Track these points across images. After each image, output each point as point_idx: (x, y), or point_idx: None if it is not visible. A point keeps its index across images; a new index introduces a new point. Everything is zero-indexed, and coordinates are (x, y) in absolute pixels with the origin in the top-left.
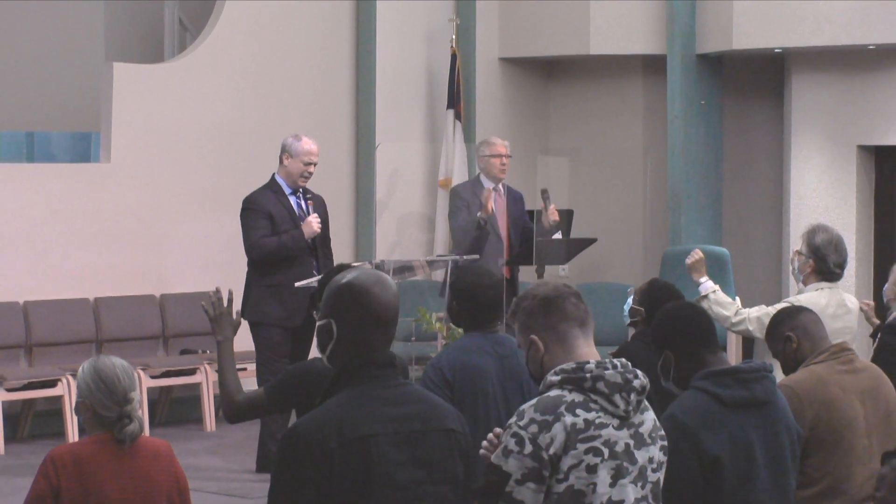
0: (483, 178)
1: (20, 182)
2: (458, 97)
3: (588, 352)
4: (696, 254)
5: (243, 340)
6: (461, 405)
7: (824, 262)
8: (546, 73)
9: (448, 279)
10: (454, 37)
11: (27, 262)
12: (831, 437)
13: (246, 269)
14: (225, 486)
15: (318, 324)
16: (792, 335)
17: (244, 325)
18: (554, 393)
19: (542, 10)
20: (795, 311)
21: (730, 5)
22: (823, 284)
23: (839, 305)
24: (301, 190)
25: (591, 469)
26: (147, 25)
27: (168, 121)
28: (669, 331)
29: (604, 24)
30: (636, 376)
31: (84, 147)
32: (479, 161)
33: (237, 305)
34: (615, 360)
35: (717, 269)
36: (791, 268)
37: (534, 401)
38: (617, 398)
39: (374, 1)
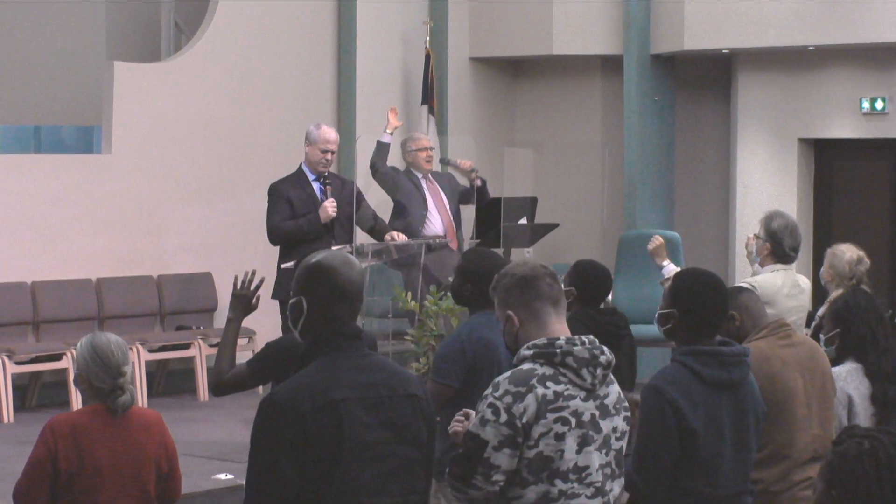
0: (413, 170)
1: (28, 172)
2: (431, 94)
3: (559, 328)
4: (657, 240)
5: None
6: (478, 374)
7: (780, 245)
8: (512, 71)
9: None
10: (428, 38)
11: (34, 245)
12: (774, 407)
13: (240, 252)
14: (216, 451)
15: (290, 301)
16: (735, 314)
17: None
18: (527, 366)
19: (509, 14)
20: (737, 292)
21: (681, 9)
22: (779, 266)
23: (793, 286)
24: (325, 175)
25: (560, 437)
26: (145, 26)
27: (165, 115)
28: (689, 295)
29: (565, 26)
30: (602, 352)
31: (87, 140)
32: (407, 156)
33: (262, 290)
34: (583, 338)
35: (669, 252)
36: (747, 251)
37: (508, 373)
38: (584, 372)
39: (355, 1)
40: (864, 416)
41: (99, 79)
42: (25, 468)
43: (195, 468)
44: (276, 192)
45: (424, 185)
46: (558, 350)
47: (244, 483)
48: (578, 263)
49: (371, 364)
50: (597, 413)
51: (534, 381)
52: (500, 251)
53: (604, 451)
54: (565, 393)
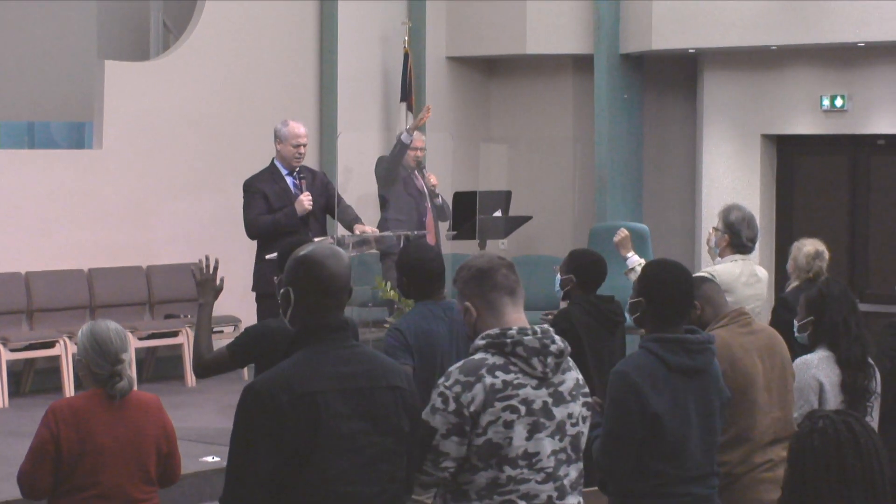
0: (403, 167)
1: (22, 166)
2: (410, 91)
3: (515, 318)
4: (622, 232)
5: (229, 307)
6: (421, 364)
7: (738, 236)
8: (488, 70)
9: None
10: (406, 38)
11: (28, 237)
12: (736, 392)
13: (225, 243)
14: (204, 435)
15: (280, 291)
16: (696, 303)
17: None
18: (478, 356)
19: (485, 15)
20: (699, 282)
21: (649, 10)
22: (737, 256)
23: (751, 275)
24: (297, 170)
25: (508, 424)
26: (134, 26)
27: (154, 112)
28: (656, 286)
29: (538, 27)
30: (553, 342)
31: (79, 135)
32: None
33: (223, 273)
34: (535, 327)
35: (637, 244)
36: (707, 244)
37: (460, 363)
38: (534, 361)
39: (336, 2)
40: (834, 403)
41: (90, 77)
42: (29, 452)
43: (183, 451)
44: (251, 187)
45: (417, 181)
46: (509, 340)
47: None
48: (574, 252)
49: (354, 355)
50: (550, 400)
51: (483, 370)
52: (476, 243)
53: (557, 438)
54: (515, 382)
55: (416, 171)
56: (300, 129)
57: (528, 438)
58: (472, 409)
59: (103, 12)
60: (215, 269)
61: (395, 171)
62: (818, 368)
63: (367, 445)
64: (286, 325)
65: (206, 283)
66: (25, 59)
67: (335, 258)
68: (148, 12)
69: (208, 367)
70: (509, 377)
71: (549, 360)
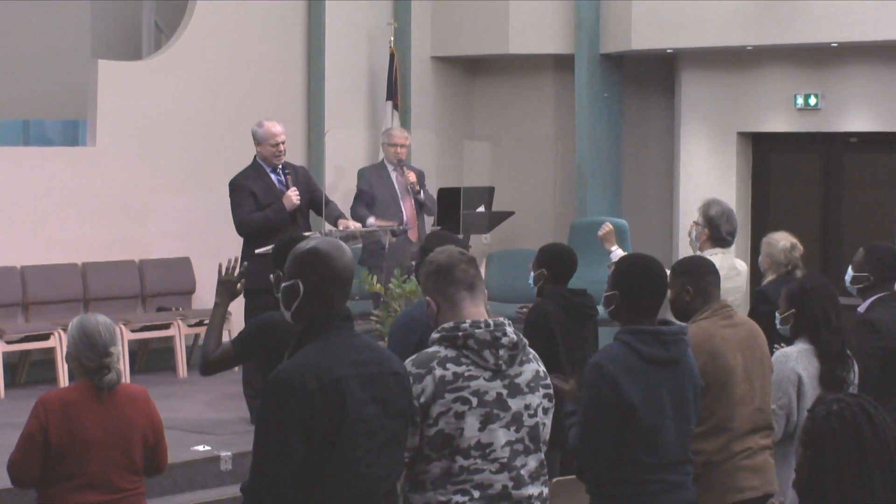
0: (386, 163)
1: (18, 163)
2: (395, 90)
3: (474, 312)
4: (607, 226)
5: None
6: None
7: (718, 230)
8: (471, 69)
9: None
10: (392, 38)
11: (24, 231)
12: (716, 383)
13: (215, 238)
14: (195, 425)
15: (284, 284)
16: (691, 289)
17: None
18: (432, 349)
19: (468, 16)
20: (705, 271)
21: (629, 12)
22: (717, 250)
23: (731, 268)
24: (281, 166)
25: (459, 416)
26: (127, 27)
27: (146, 110)
28: (631, 279)
29: (521, 27)
30: (505, 334)
31: (73, 133)
32: (382, 148)
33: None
34: (489, 320)
35: (617, 238)
36: (689, 237)
37: (414, 356)
38: (486, 353)
39: (324, 3)
40: (811, 396)
41: (84, 76)
42: (18, 442)
43: (174, 440)
44: (238, 186)
45: (394, 178)
46: (461, 333)
47: (233, 455)
48: (544, 247)
49: (361, 344)
50: (504, 392)
51: (434, 363)
52: (460, 237)
53: (513, 429)
54: (466, 374)
55: (397, 168)
56: (276, 127)
57: (481, 429)
58: (422, 400)
59: (97, 13)
60: (241, 273)
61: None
62: (797, 361)
63: (380, 429)
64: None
65: (226, 284)
66: (21, 59)
67: (341, 251)
68: (140, 13)
69: (214, 364)
70: (460, 369)
71: (502, 352)
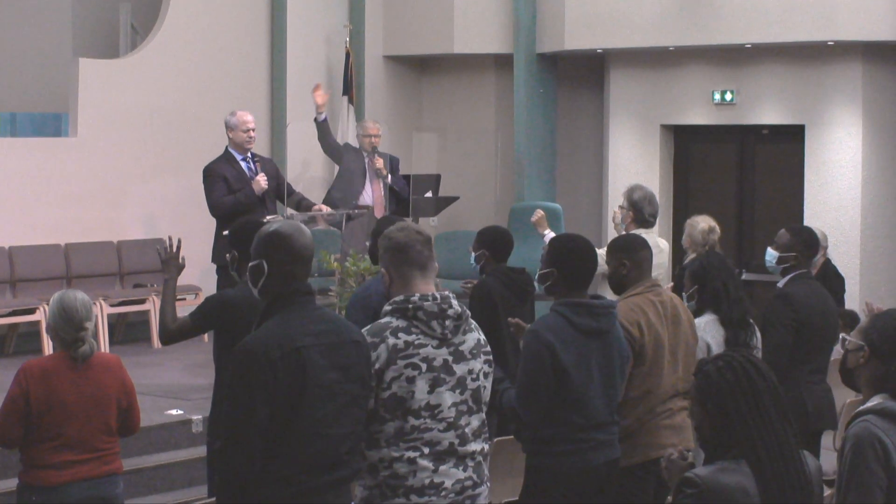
0: (360, 150)
1: (5, 153)
2: (351, 86)
3: (424, 288)
4: (539, 212)
5: (189, 277)
6: None
7: (641, 213)
8: (420, 67)
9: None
10: (348, 39)
11: (11, 215)
12: (648, 353)
13: (186, 220)
14: (168, 391)
15: (250, 264)
16: (627, 263)
17: (213, 267)
18: (384, 320)
19: (417, 19)
20: (641, 246)
21: (562, 15)
22: (641, 231)
23: (654, 246)
24: (250, 155)
25: (410, 380)
26: (105, 28)
27: (123, 104)
28: (566, 256)
29: (464, 30)
30: (451, 306)
31: (56, 125)
32: (357, 138)
33: (184, 249)
34: (436, 294)
35: (552, 221)
36: (613, 220)
37: (368, 326)
38: (434, 324)
39: (285, 9)
40: None
41: (66, 73)
42: (2, 406)
43: (149, 405)
44: (211, 172)
45: (367, 163)
46: (410, 305)
47: (205, 419)
48: (483, 230)
49: (322, 316)
50: (450, 358)
51: (387, 332)
52: (409, 220)
53: (458, 391)
54: (416, 342)
55: (371, 155)
56: (247, 115)
57: (430, 392)
58: (377, 366)
59: (77, 15)
60: (178, 248)
61: (329, 146)
62: (705, 331)
63: (341, 393)
64: (243, 294)
65: (169, 261)
66: (7, 57)
67: (300, 232)
68: (117, 15)
69: (173, 334)
70: (411, 338)
71: (448, 322)
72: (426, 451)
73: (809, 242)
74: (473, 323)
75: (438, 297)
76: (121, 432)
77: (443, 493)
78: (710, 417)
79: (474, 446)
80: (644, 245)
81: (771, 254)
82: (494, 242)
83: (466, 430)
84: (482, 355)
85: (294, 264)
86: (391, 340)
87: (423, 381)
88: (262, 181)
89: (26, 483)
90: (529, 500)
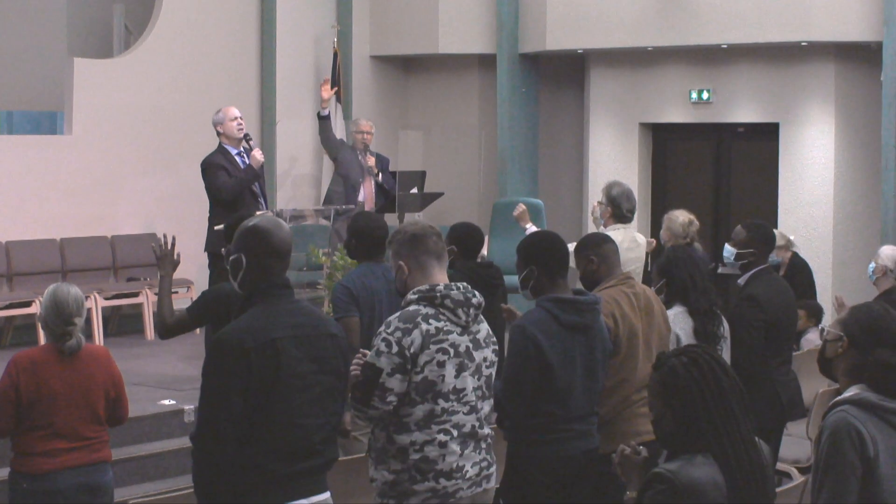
0: (354, 147)
1: (2, 150)
2: (338, 85)
3: (440, 277)
4: (520, 207)
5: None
6: (361, 315)
7: (619, 208)
8: (405, 67)
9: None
10: (335, 39)
11: (8, 210)
12: (623, 344)
13: (177, 215)
14: (161, 381)
15: (230, 258)
16: (594, 258)
17: (206, 262)
18: (412, 308)
19: (403, 20)
20: (603, 241)
21: (544, 17)
22: (619, 226)
23: (632, 241)
24: (242, 147)
25: (441, 364)
26: (99, 28)
27: (116, 103)
28: (540, 250)
29: (449, 30)
30: (474, 296)
31: (51, 123)
32: (350, 135)
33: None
34: (458, 284)
35: (533, 216)
36: (592, 215)
37: (397, 314)
38: (459, 312)
39: (275, 7)
40: None
41: (61, 72)
42: None
43: (143, 395)
44: (211, 163)
45: (362, 160)
46: (438, 294)
47: (196, 409)
48: (454, 226)
49: (299, 309)
50: (470, 345)
51: (419, 318)
52: (394, 215)
53: (476, 377)
54: (444, 328)
55: (364, 153)
56: (233, 109)
57: (457, 376)
58: (411, 350)
59: (72, 16)
60: (172, 245)
61: (329, 141)
62: (674, 323)
63: (315, 384)
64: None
65: (165, 258)
66: (3, 57)
67: (279, 227)
68: (111, 16)
69: (172, 329)
70: (440, 324)
71: (471, 311)
72: (455, 433)
73: (766, 238)
74: (481, 315)
75: (461, 286)
76: (110, 422)
77: (466, 476)
78: (675, 413)
79: (487, 430)
80: (607, 239)
81: (729, 250)
82: (463, 239)
83: (482, 413)
84: (491, 344)
85: (272, 258)
86: (424, 326)
87: (451, 366)
88: (258, 155)
89: (17, 471)
90: (511, 487)
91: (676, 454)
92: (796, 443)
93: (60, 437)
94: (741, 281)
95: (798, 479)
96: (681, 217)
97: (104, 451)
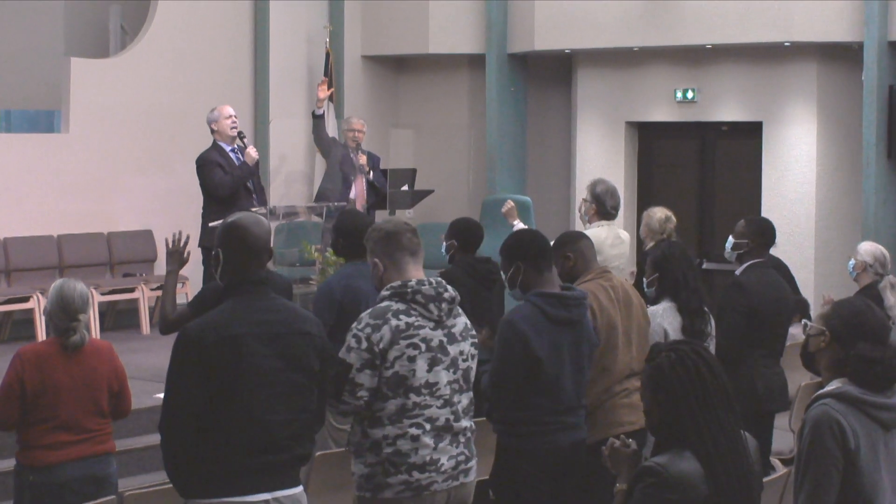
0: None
1: (0, 148)
2: (331, 84)
3: (415, 274)
4: (509, 203)
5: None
6: (347, 316)
7: (603, 205)
8: (396, 66)
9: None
10: (328, 39)
11: (6, 207)
12: (602, 335)
13: (172, 212)
14: (156, 375)
15: (212, 253)
16: (570, 255)
17: (200, 259)
18: (384, 304)
19: (394, 20)
20: (578, 238)
21: (532, 17)
22: (603, 222)
23: (616, 237)
24: (236, 144)
25: (412, 359)
26: (96, 28)
27: (113, 101)
28: (524, 247)
29: (439, 31)
30: (446, 290)
31: (49, 122)
32: (342, 133)
33: (192, 241)
34: (431, 279)
35: (522, 213)
36: (579, 213)
37: (369, 310)
38: (431, 307)
39: (268, 8)
40: None
41: (58, 72)
42: None
43: (139, 389)
44: (207, 160)
45: (353, 158)
46: (409, 289)
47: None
48: (454, 221)
49: (273, 306)
50: (445, 339)
51: (389, 314)
52: (385, 213)
53: (451, 370)
54: (415, 324)
55: (355, 151)
56: (227, 107)
57: (429, 371)
58: (381, 346)
59: (69, 16)
60: (185, 243)
61: (322, 140)
62: (663, 318)
63: (282, 381)
64: None
65: (174, 254)
66: (1, 56)
67: (257, 224)
68: (108, 16)
69: (172, 324)
70: (411, 319)
71: (444, 305)
72: (427, 427)
73: (762, 231)
74: (459, 308)
75: (433, 281)
76: (113, 415)
77: (441, 469)
78: (660, 407)
79: (465, 423)
80: (581, 236)
81: (729, 241)
82: (463, 233)
83: (458, 407)
84: (469, 338)
85: (247, 254)
86: (393, 322)
87: (422, 360)
88: (252, 152)
89: (23, 463)
90: (499, 478)
91: (667, 445)
92: (779, 435)
93: (65, 429)
94: (737, 272)
95: (781, 470)
96: (658, 213)
97: (108, 444)
